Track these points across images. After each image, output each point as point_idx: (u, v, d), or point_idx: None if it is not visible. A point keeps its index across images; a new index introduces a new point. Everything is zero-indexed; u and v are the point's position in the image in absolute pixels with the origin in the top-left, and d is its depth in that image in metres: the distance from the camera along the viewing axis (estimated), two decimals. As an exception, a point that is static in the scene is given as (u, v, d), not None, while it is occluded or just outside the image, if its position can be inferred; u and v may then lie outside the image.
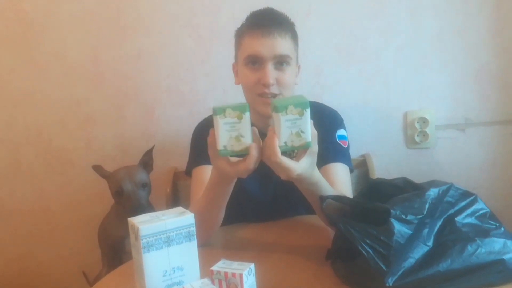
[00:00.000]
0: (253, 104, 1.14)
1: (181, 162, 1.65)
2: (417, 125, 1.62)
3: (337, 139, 1.22)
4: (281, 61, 1.13)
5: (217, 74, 1.65)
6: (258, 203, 1.24)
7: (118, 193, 1.38)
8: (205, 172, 1.16)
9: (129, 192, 1.37)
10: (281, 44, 1.11)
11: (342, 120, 1.29)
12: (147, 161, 1.47)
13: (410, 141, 1.64)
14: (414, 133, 1.63)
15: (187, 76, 1.66)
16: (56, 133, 1.72)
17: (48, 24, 1.65)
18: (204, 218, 1.00)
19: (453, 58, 1.59)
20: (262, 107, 1.14)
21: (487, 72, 1.59)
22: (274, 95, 1.13)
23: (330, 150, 1.18)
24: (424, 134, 1.63)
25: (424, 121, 1.62)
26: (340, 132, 1.24)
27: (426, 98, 1.62)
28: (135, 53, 1.66)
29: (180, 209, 0.85)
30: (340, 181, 1.14)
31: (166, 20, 1.63)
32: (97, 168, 1.43)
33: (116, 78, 1.68)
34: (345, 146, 1.23)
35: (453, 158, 1.64)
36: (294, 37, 1.17)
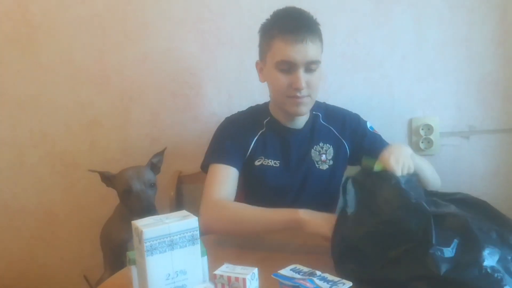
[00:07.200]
0: (283, 105, 1.23)
1: (186, 165, 1.67)
2: (422, 132, 1.62)
3: (371, 131, 1.35)
4: (311, 66, 1.17)
5: (223, 79, 1.65)
6: (284, 192, 1.27)
7: (127, 192, 1.37)
8: (226, 172, 1.19)
9: (138, 191, 1.36)
10: (312, 50, 1.16)
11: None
12: (155, 163, 1.48)
13: (415, 148, 1.64)
14: (419, 140, 1.63)
15: (192, 80, 1.67)
16: (60, 135, 1.72)
17: (54, 27, 1.66)
18: (244, 232, 1.09)
19: (458, 66, 1.60)
20: (293, 107, 1.21)
21: (491, 81, 1.59)
22: (304, 97, 1.19)
23: (376, 142, 1.31)
24: (429, 141, 1.63)
25: (428, 128, 1.62)
26: (368, 124, 1.36)
27: (431, 106, 1.62)
28: (141, 57, 1.66)
29: (184, 212, 0.84)
30: None
31: (172, 25, 1.64)
32: (99, 172, 1.43)
33: (121, 81, 1.68)
34: (379, 133, 1.36)
35: (457, 165, 1.64)
36: (321, 39, 1.21)
